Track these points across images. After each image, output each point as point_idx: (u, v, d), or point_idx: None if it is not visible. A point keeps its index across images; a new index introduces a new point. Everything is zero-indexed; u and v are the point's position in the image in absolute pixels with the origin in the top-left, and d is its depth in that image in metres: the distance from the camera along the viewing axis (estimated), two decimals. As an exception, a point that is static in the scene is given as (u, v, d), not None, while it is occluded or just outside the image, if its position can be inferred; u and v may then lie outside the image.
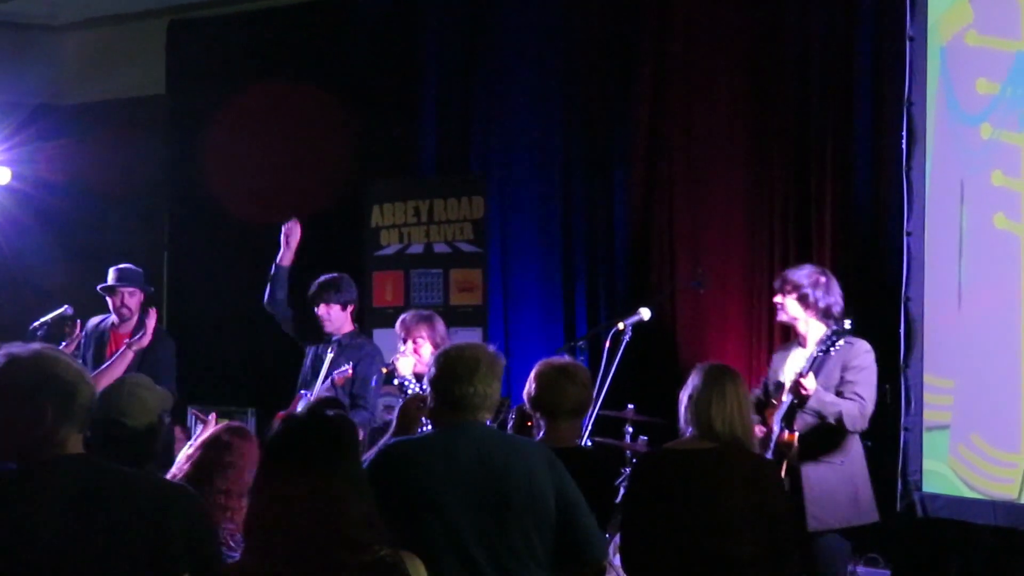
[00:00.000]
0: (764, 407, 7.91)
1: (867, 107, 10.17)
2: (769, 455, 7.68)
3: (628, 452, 9.40)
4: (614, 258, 11.61)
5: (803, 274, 7.75)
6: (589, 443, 8.78)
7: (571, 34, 11.88)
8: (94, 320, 10.31)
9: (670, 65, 11.41)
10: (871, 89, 10.13)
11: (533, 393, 5.93)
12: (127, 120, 13.01)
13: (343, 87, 12.34)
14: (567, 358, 6.26)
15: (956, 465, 6.92)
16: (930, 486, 7.05)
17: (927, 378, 7.08)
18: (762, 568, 5.68)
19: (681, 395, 5.86)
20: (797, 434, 7.50)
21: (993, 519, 6.70)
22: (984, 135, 6.86)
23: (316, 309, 9.39)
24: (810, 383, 7.36)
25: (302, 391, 9.30)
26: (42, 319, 9.99)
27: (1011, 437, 6.64)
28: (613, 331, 8.38)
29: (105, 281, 10.01)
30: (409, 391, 8.56)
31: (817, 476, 7.40)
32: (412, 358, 8.75)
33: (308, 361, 9.54)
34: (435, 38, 12.50)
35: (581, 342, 9.51)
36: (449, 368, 5.26)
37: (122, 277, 10.08)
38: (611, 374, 8.30)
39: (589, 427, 8.53)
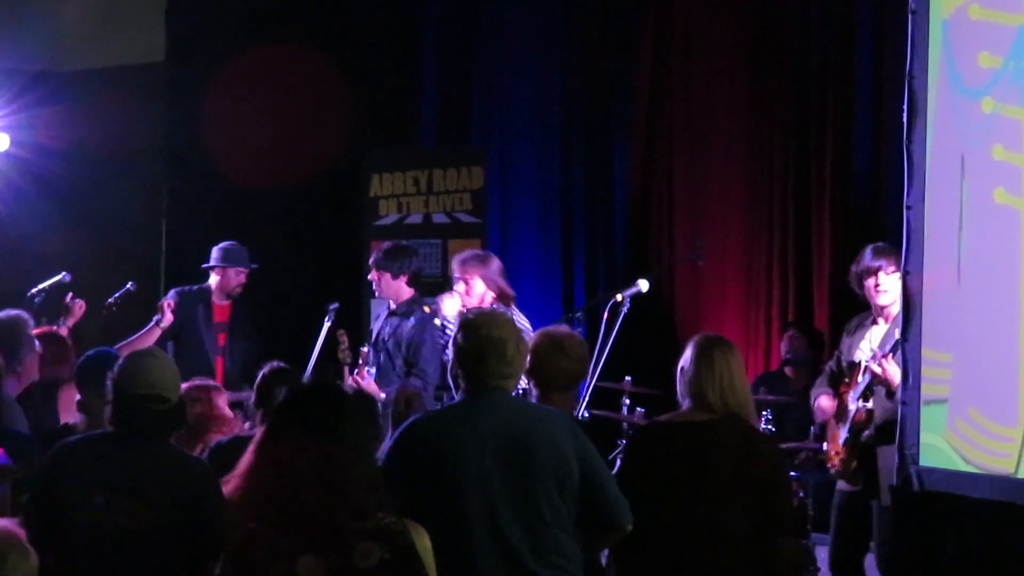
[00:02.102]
0: (838, 382, 7.97)
1: (868, 80, 10.18)
2: (845, 432, 7.74)
3: (625, 424, 9.41)
4: (613, 229, 11.63)
5: (884, 250, 7.82)
6: (586, 415, 8.78)
7: (571, 5, 11.87)
8: (184, 288, 10.36)
9: (670, 38, 11.41)
10: (872, 62, 10.14)
11: (527, 364, 5.94)
12: (127, 87, 12.98)
13: (343, 55, 12.33)
14: (564, 329, 6.28)
15: (953, 439, 6.90)
16: (927, 460, 7.03)
17: (925, 352, 7.05)
18: (755, 540, 5.68)
19: (677, 368, 5.87)
20: (873, 412, 7.63)
21: (990, 493, 6.69)
22: (985, 109, 6.83)
23: (369, 274, 9.41)
24: (895, 370, 7.45)
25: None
26: (39, 286, 10.01)
27: (1009, 411, 6.62)
28: (611, 303, 8.37)
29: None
30: (447, 331, 8.55)
31: (890, 456, 7.46)
32: (458, 299, 8.73)
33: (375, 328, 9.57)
34: (435, 7, 12.48)
35: (579, 313, 9.52)
36: (474, 350, 5.30)
37: (240, 257, 10.41)
38: (609, 346, 8.29)
39: (586, 399, 8.53)
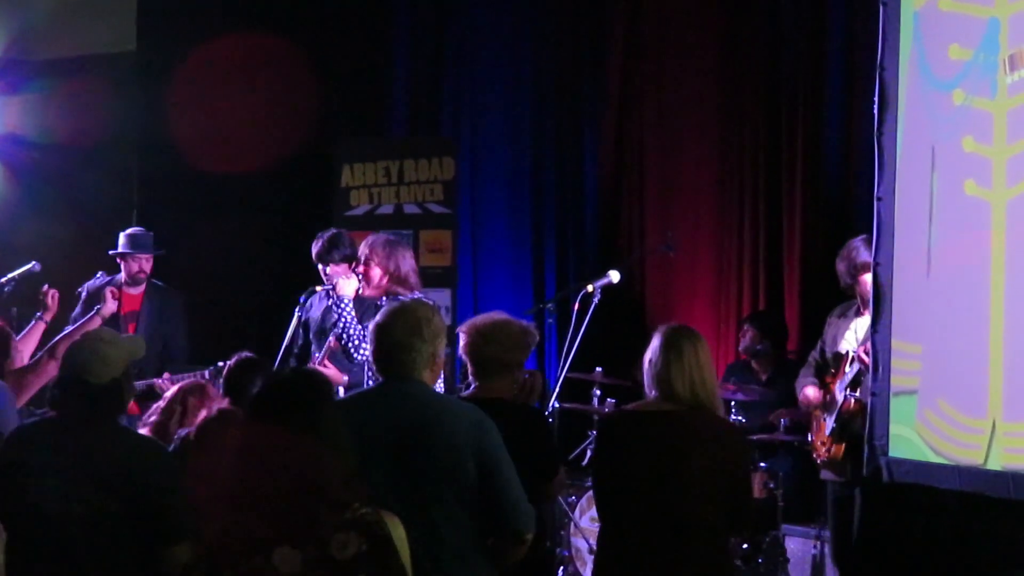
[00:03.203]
0: (824, 373, 8.00)
1: (839, 72, 10.19)
2: (831, 422, 7.77)
3: (595, 416, 9.42)
4: (584, 220, 11.64)
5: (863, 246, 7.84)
6: (556, 405, 8.79)
7: (543, -4, 11.89)
8: (96, 281, 10.32)
9: (641, 30, 11.42)
10: (843, 54, 10.15)
11: (462, 352, 6.06)
12: (97, 75, 12.93)
13: (314, 45, 12.29)
14: (494, 316, 6.24)
15: (923, 430, 6.93)
16: (897, 451, 7.06)
17: (895, 343, 7.09)
18: (720, 530, 5.71)
19: (643, 359, 5.87)
20: (864, 402, 7.62)
21: (958, 484, 6.73)
22: (956, 101, 6.86)
23: (324, 269, 9.29)
24: None
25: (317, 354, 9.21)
26: (9, 275, 9.95)
27: (978, 403, 6.65)
28: (582, 293, 8.38)
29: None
30: (344, 313, 8.36)
31: None
32: (355, 281, 8.53)
33: (317, 315, 9.47)
34: (407, -4, 12.49)
35: (550, 304, 9.51)
36: (378, 331, 5.33)
37: (136, 244, 10.27)
38: (579, 337, 8.30)
39: (557, 390, 8.54)
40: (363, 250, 8.53)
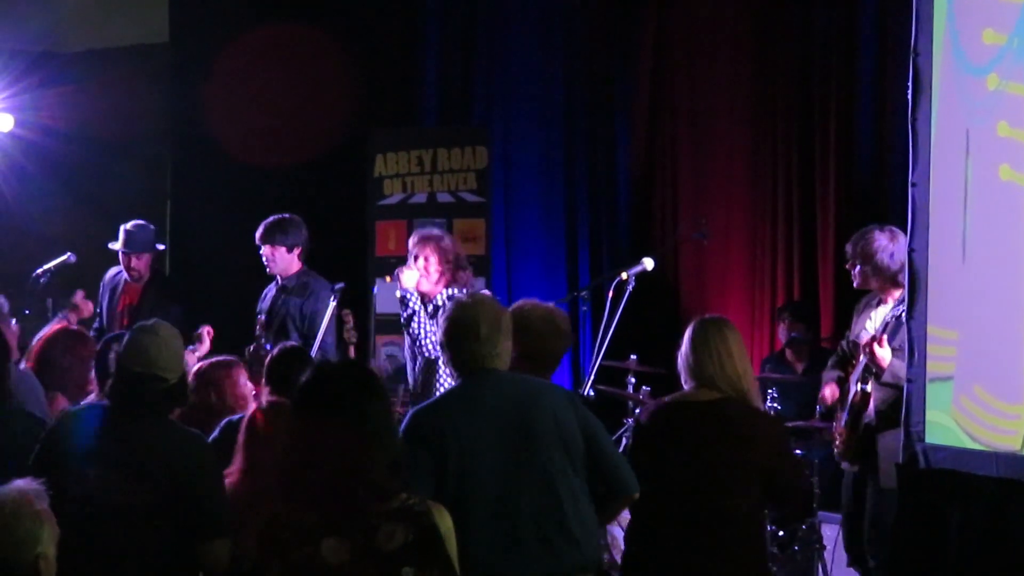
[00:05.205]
0: (846, 365, 7.99)
1: (871, 58, 10.16)
2: (845, 415, 7.76)
3: (630, 403, 9.41)
4: (617, 208, 11.64)
5: (871, 239, 7.83)
6: (591, 393, 8.78)
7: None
8: (112, 271, 10.33)
9: (673, 17, 11.40)
10: (876, 40, 10.12)
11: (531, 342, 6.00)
12: (130, 67, 12.97)
13: (346, 35, 12.31)
14: (531, 305, 6.22)
15: (959, 416, 6.90)
16: (933, 437, 7.03)
17: (931, 329, 7.06)
18: (755, 521, 5.70)
19: (678, 351, 5.87)
20: (872, 394, 7.63)
21: (995, 470, 6.70)
22: (990, 86, 6.83)
23: (261, 249, 9.36)
24: (885, 354, 7.49)
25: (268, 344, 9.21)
26: (44, 266, 10.01)
27: (1014, 389, 6.62)
28: (616, 281, 8.38)
29: (114, 230, 10.06)
30: (410, 304, 8.40)
31: (890, 440, 7.45)
32: (416, 272, 8.56)
33: (265, 306, 9.52)
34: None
35: (584, 292, 9.51)
36: (452, 334, 5.38)
37: (129, 242, 10.12)
38: (614, 324, 8.30)
39: (591, 377, 8.54)
40: (414, 247, 8.58)
